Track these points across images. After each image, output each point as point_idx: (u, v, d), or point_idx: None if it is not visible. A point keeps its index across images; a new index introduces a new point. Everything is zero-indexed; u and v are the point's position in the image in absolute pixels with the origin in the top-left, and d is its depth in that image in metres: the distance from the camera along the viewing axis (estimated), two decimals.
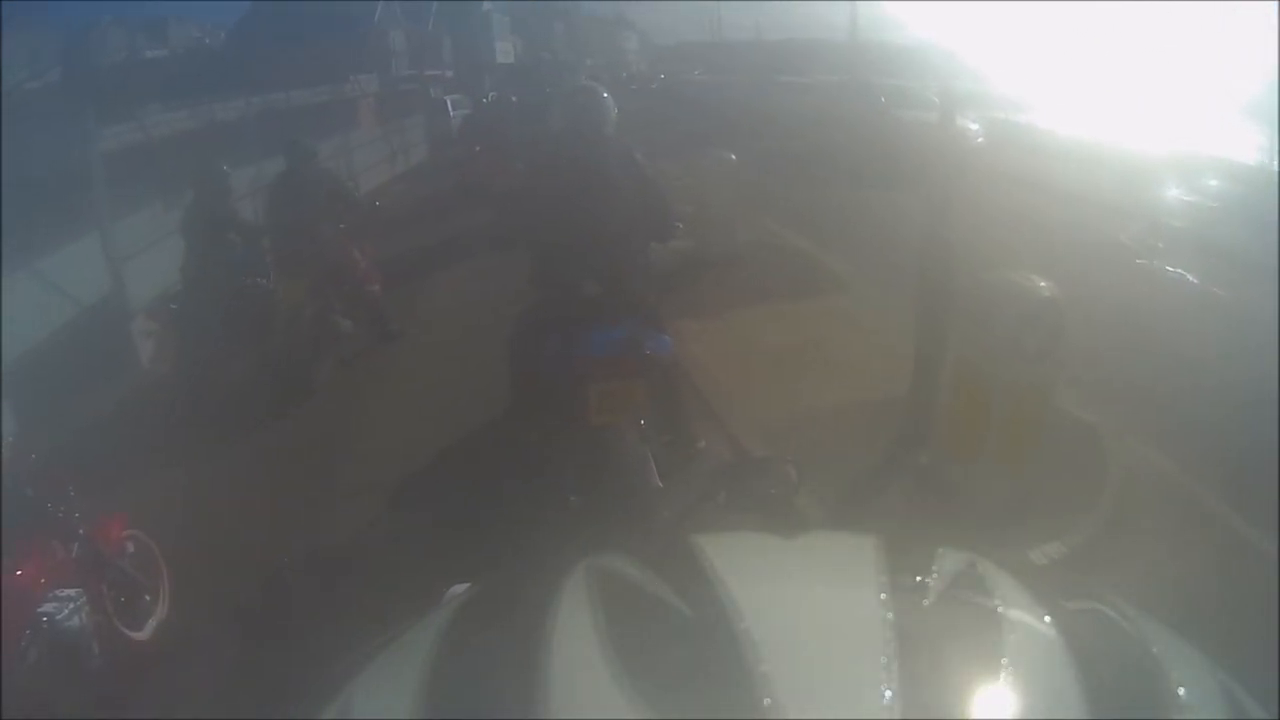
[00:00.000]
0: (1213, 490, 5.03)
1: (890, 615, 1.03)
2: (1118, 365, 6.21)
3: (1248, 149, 12.53)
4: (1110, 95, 15.62)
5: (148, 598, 4.90)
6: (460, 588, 1.54)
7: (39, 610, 3.98)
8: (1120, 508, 4.85)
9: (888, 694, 0.91)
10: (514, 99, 18.56)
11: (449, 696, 1.05)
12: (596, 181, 5.05)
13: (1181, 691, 1.02)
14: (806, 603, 1.14)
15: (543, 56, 33.50)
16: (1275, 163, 11.23)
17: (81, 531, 4.42)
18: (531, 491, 4.95)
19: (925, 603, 1.10)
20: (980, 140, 15.11)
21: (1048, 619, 1.09)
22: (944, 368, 5.48)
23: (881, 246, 9.51)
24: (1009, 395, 4.87)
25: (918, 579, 1.14)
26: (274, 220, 8.97)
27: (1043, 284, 4.83)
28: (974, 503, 4.94)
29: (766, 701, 0.90)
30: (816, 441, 5.85)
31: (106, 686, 4.24)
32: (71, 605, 4.12)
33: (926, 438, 5.63)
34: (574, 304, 4.94)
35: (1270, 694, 1.24)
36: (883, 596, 1.07)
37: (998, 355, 4.88)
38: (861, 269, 9.62)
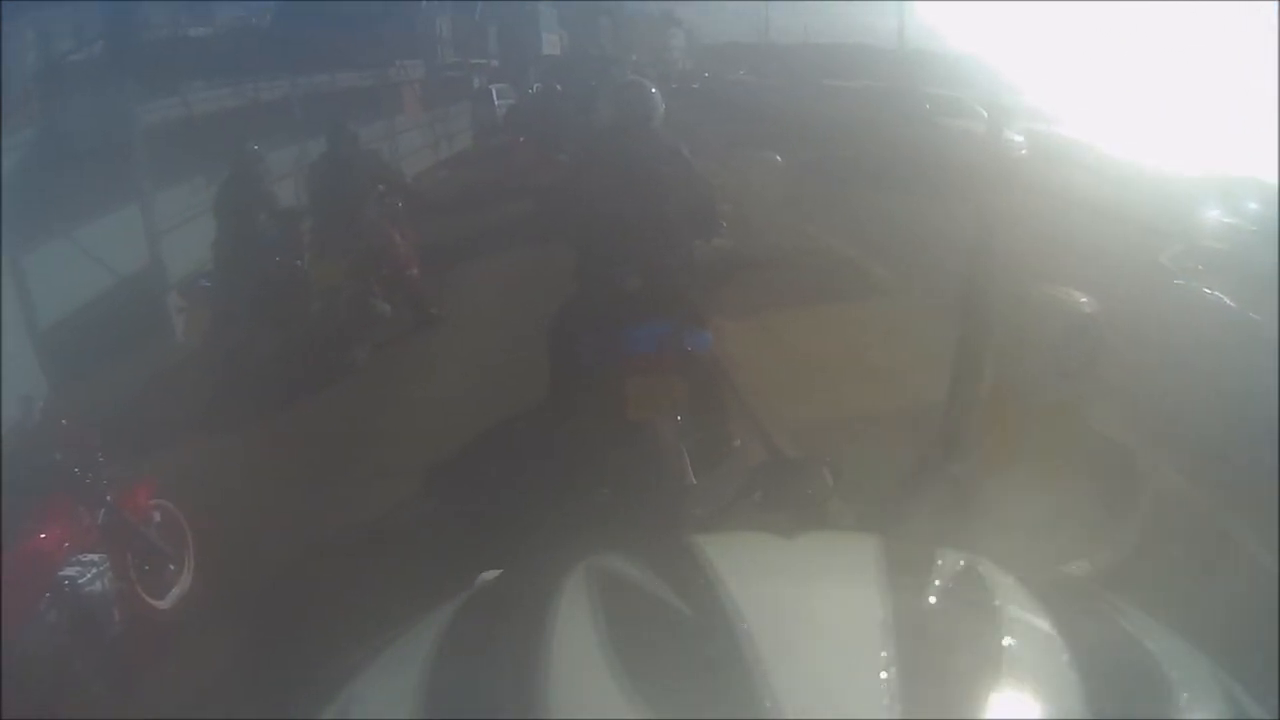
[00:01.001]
0: (1241, 514, 4.93)
1: (890, 615, 1.04)
2: (1153, 387, 6.09)
3: None
4: (1155, 112, 15.39)
5: (172, 567, 4.89)
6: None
7: (61, 573, 3.98)
8: (1149, 529, 4.74)
9: (888, 694, 0.92)
10: (559, 89, 18.50)
11: (449, 696, 1.05)
12: (642, 176, 5.03)
13: (1181, 691, 1.03)
14: (806, 603, 1.15)
15: (588, 50, 33.55)
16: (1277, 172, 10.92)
17: (109, 498, 4.43)
18: (565, 483, 4.91)
19: (925, 603, 1.11)
20: (1024, 152, 14.92)
21: (1048, 619, 1.10)
22: (981, 379, 5.40)
23: (922, 254, 9.45)
24: (1045, 411, 4.78)
25: (918, 579, 1.15)
26: (314, 202, 9.02)
27: (1083, 300, 4.75)
28: (1003, 516, 4.85)
29: (767, 702, 0.91)
30: (850, 445, 5.79)
31: (125, 652, 4.24)
32: (94, 570, 4.12)
33: (960, 448, 5.54)
34: (615, 298, 4.92)
35: (1270, 694, 1.23)
36: (883, 596, 1.08)
37: (1036, 369, 4.79)
38: (902, 276, 9.54)
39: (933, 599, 1.12)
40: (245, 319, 8.18)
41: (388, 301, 8.92)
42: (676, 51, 41.65)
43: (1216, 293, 8.67)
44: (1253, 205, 11.06)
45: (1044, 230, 9.10)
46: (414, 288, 9.27)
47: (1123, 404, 5.59)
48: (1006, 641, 1.03)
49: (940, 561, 1.20)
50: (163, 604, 4.74)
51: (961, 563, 1.20)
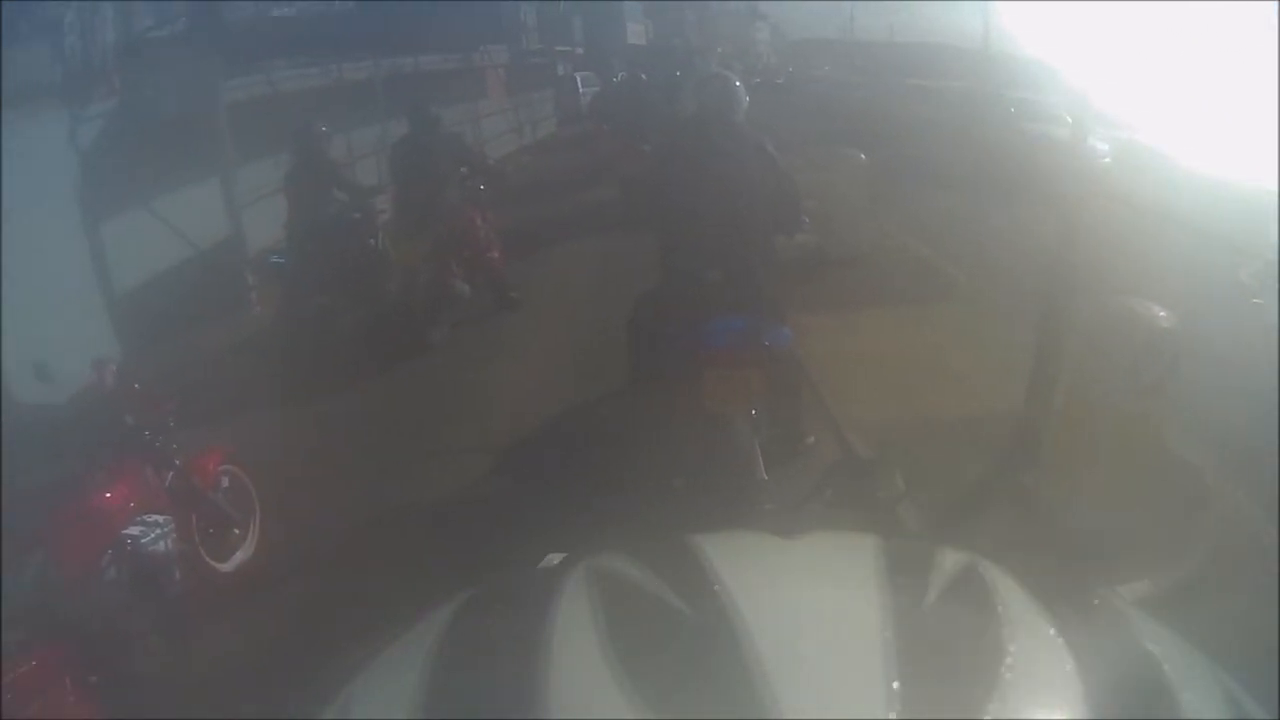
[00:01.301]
0: None
1: (890, 615, 1.03)
2: (1227, 406, 5.90)
3: None
4: (1239, 125, 14.98)
5: (237, 531, 4.98)
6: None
7: (124, 532, 4.04)
8: (1214, 551, 4.58)
9: (887, 694, 0.91)
10: (644, 79, 18.38)
11: (449, 696, 1.04)
12: (725, 169, 4.98)
13: (1181, 691, 1.01)
14: (806, 603, 1.13)
15: (674, 41, 33.51)
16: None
17: (177, 461, 4.51)
18: (637, 471, 4.87)
19: (925, 603, 1.09)
20: (1106, 160, 14.60)
21: (1048, 619, 1.08)
22: (1057, 389, 5.32)
23: (1003, 259, 9.31)
24: (1119, 425, 4.69)
25: (918, 579, 1.13)
26: (397, 182, 9.13)
27: (1162, 313, 4.64)
28: (1071, 529, 4.75)
29: (766, 702, 0.89)
30: (924, 448, 5.68)
31: (184, 611, 4.29)
32: (158, 531, 4.19)
33: (1032, 458, 5.42)
34: (696, 290, 4.89)
35: (1270, 694, 1.25)
36: (883, 596, 1.07)
37: (1112, 383, 4.69)
38: (981, 280, 9.37)
39: (933, 600, 1.09)
40: (317, 295, 8.24)
41: (467, 283, 8.96)
42: (761, 46, 41.55)
43: None
44: None
45: (1123, 240, 8.88)
46: (494, 270, 9.30)
47: (1195, 422, 5.42)
48: (1006, 642, 1.00)
49: (940, 562, 1.18)
50: (225, 567, 4.82)
51: (962, 563, 1.19)
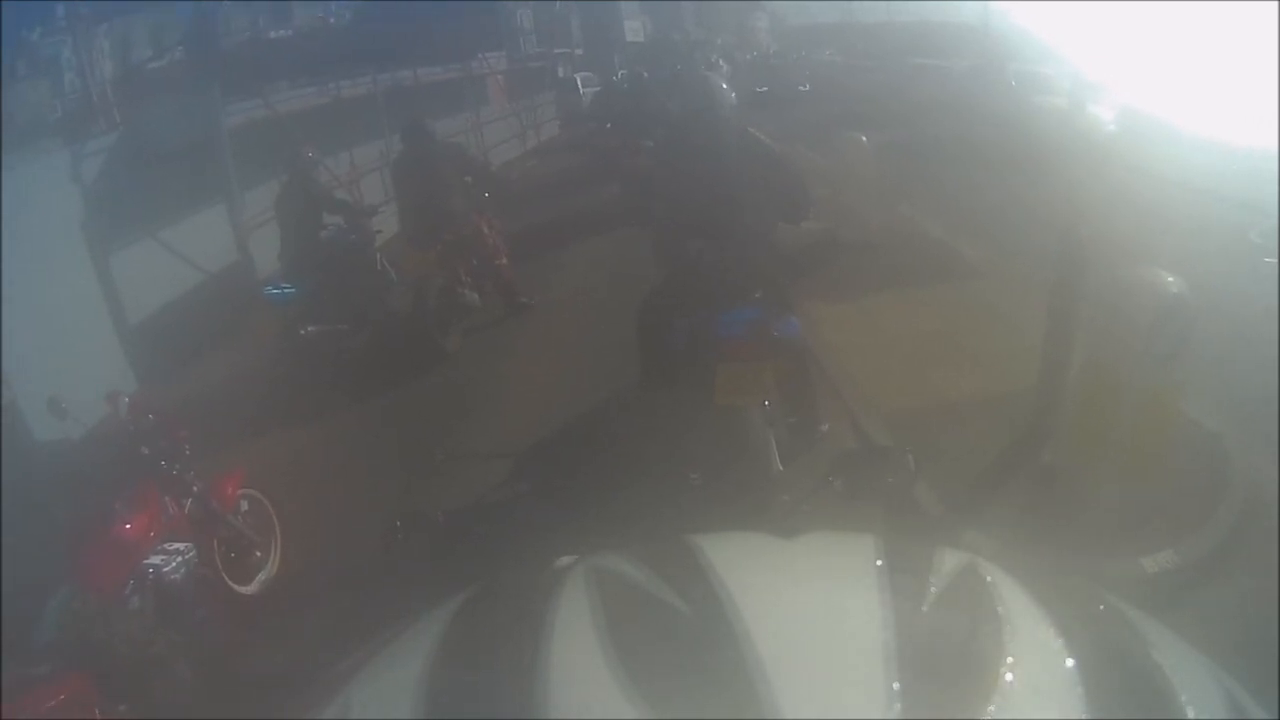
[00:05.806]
0: None
1: (890, 615, 1.04)
2: (1244, 371, 5.83)
3: None
4: (1243, 85, 14.87)
5: (258, 554, 5.02)
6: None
7: (145, 561, 4.08)
8: (1239, 521, 4.57)
9: (887, 694, 0.92)
10: (644, 75, 18.34)
11: (449, 696, 1.06)
12: (722, 162, 4.99)
13: (1182, 691, 1.03)
14: (806, 602, 1.15)
15: (672, 36, 33.48)
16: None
17: (196, 489, 4.55)
18: (652, 468, 4.86)
19: (925, 603, 1.11)
20: (1111, 128, 14.52)
21: (1048, 619, 1.10)
22: (1071, 364, 5.27)
23: (1012, 235, 9.23)
24: (1136, 397, 4.62)
25: (918, 579, 1.15)
26: (401, 196, 9.12)
27: (1171, 280, 4.56)
28: (1093, 505, 4.72)
29: (766, 701, 0.91)
30: (941, 431, 5.69)
31: (209, 635, 4.33)
32: (180, 558, 4.23)
33: (1051, 435, 5.39)
34: (702, 283, 4.86)
35: (1270, 694, 1.24)
36: (883, 596, 1.09)
37: (1127, 354, 4.63)
38: (991, 257, 9.31)
39: (932, 600, 1.11)
40: (321, 320, 8.27)
41: (476, 291, 9.00)
42: (762, 33, 41.39)
43: None
44: None
45: (1132, 208, 8.82)
46: (503, 277, 9.31)
47: (1213, 387, 5.37)
48: (1006, 641, 1.02)
49: (940, 562, 1.19)
50: (248, 589, 4.86)
51: (962, 564, 1.20)
